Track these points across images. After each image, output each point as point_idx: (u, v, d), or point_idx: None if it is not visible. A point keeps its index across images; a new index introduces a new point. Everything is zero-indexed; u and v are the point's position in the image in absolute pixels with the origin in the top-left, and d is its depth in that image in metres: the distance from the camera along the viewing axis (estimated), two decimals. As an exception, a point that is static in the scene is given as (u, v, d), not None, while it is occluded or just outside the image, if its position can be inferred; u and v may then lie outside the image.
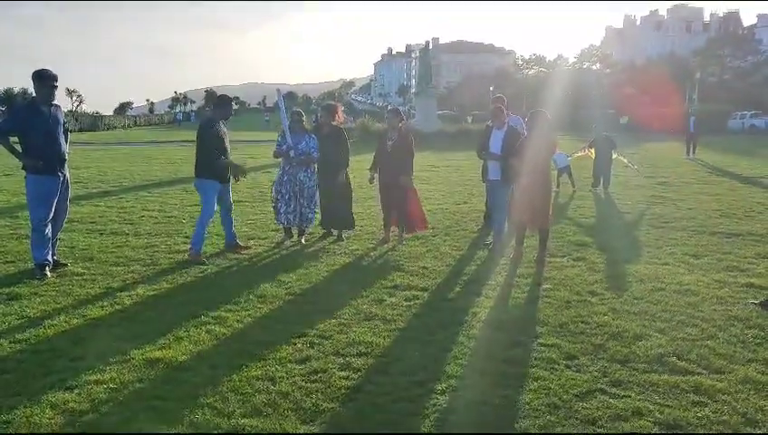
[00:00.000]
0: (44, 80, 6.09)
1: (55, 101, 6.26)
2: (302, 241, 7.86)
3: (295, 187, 7.68)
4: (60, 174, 6.21)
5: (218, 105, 7.22)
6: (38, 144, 6.01)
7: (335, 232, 8.18)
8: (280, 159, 7.93)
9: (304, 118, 8.06)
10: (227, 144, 7.11)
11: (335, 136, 7.98)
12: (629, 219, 9.89)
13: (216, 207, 7.11)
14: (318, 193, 7.87)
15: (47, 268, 6.17)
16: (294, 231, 7.97)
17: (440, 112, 43.95)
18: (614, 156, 13.26)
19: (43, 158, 6.01)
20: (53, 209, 6.20)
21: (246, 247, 7.38)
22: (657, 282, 6.09)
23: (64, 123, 6.38)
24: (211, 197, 6.94)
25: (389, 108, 8.85)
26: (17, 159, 6.17)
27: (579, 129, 21.62)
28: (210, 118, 7.13)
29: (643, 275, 6.37)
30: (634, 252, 7.44)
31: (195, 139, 7.13)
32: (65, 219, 6.63)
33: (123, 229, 8.58)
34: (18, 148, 6.07)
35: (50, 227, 6.21)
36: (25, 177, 6.15)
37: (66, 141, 6.37)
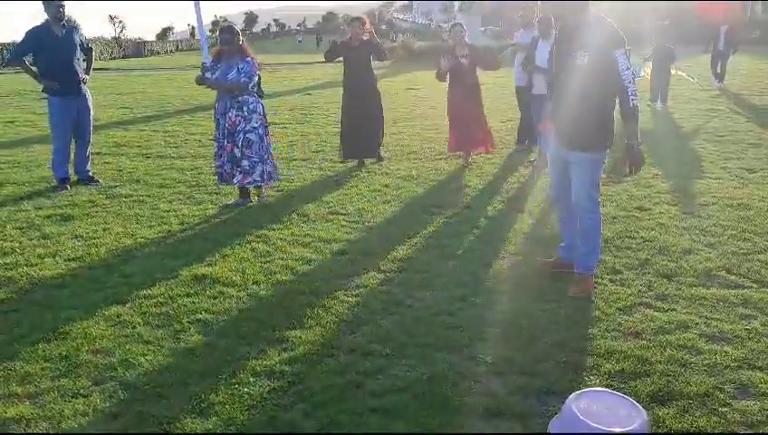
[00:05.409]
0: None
1: (74, 24, 6.44)
2: (253, 201, 6.07)
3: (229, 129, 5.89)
4: (77, 94, 6.45)
5: None
6: (50, 65, 6.36)
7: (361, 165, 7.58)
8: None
9: (240, 37, 5.82)
10: None
11: (365, 50, 7.46)
12: (683, 133, 9.48)
13: None
14: (269, 138, 6.06)
15: (67, 183, 6.62)
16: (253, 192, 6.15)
17: (482, 29, 42.39)
18: (673, 72, 12.39)
19: (56, 78, 6.26)
20: (74, 129, 6.54)
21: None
22: (709, 196, 5.87)
23: (85, 44, 6.57)
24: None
25: (453, 22, 8.40)
26: (36, 81, 6.45)
27: (632, 42, 20.43)
28: None
29: (694, 189, 6.15)
30: (686, 167, 7.16)
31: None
32: (90, 140, 6.89)
33: (168, 152, 8.70)
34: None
35: (72, 144, 6.60)
36: (46, 99, 6.48)
37: (90, 63, 6.62)
